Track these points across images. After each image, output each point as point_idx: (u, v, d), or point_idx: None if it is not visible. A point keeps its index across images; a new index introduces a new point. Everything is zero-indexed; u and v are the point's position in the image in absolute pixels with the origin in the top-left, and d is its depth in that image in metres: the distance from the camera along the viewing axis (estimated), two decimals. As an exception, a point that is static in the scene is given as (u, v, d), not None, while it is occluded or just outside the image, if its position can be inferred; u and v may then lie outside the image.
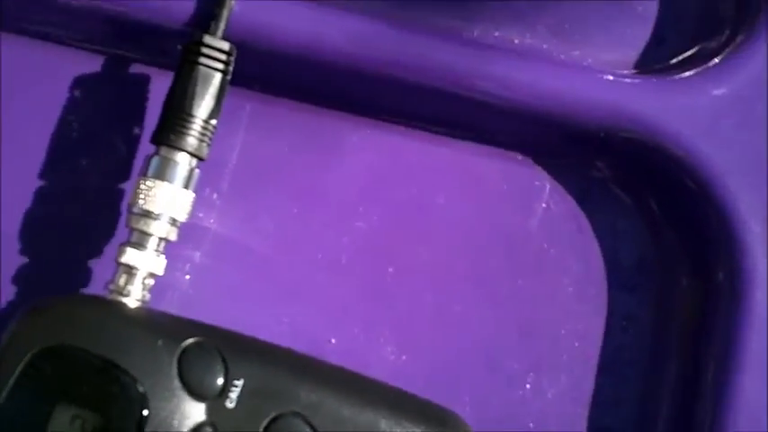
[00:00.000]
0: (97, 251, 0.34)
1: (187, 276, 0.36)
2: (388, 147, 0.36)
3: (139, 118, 0.36)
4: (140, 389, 0.27)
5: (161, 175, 0.31)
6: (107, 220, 0.35)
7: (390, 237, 0.36)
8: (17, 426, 0.27)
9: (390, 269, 0.35)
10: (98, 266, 0.34)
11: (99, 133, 0.36)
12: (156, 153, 0.32)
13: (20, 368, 0.27)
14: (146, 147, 0.34)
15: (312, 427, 0.28)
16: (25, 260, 0.34)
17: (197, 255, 0.36)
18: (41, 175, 0.35)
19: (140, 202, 0.31)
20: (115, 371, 0.28)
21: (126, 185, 0.35)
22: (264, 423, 0.28)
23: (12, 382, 0.27)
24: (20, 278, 0.34)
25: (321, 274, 0.35)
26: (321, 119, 0.36)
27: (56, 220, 0.35)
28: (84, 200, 0.35)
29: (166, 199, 0.31)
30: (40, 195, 0.35)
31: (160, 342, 0.28)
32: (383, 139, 0.36)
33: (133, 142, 0.36)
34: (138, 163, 0.35)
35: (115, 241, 0.34)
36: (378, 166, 0.36)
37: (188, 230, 0.34)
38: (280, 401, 0.28)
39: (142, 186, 0.31)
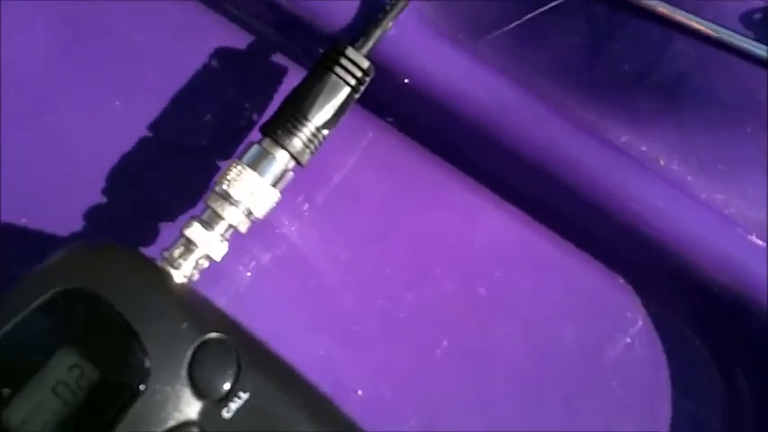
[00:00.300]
0: (173, 214, 0.34)
1: (248, 273, 0.35)
2: (488, 219, 0.34)
3: (262, 103, 0.35)
4: (146, 363, 0.26)
5: (254, 164, 0.30)
6: (196, 187, 0.34)
7: (457, 310, 0.33)
8: (16, 356, 0.26)
9: (445, 342, 0.33)
10: (167, 229, 0.34)
11: (223, 104, 0.35)
12: (259, 142, 0.31)
13: (40, 300, 0.27)
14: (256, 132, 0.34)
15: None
16: (106, 201, 0.34)
17: (266, 256, 0.35)
18: (159, 125, 0.35)
19: (224, 183, 0.30)
20: (130, 335, 0.27)
21: (224, 164, 0.34)
22: (252, 447, 0.26)
23: (27, 311, 0.26)
24: (91, 218, 0.34)
25: (374, 321, 0.34)
26: (433, 167, 0.35)
27: (154, 168, 0.35)
28: (185, 158, 0.35)
29: (250, 189, 0.30)
30: (148, 142, 0.35)
31: (185, 325, 0.27)
32: (486, 210, 0.34)
33: (247, 123, 0.35)
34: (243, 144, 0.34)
35: (192, 211, 0.33)
36: (470, 235, 0.34)
37: (266, 230, 0.34)
38: (276, 430, 0.27)
39: (232, 169, 0.30)
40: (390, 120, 0.35)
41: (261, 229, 0.31)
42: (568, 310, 0.33)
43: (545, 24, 0.34)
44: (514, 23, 0.34)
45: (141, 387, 0.26)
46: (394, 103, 0.34)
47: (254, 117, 0.35)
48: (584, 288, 0.33)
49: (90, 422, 0.26)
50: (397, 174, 0.35)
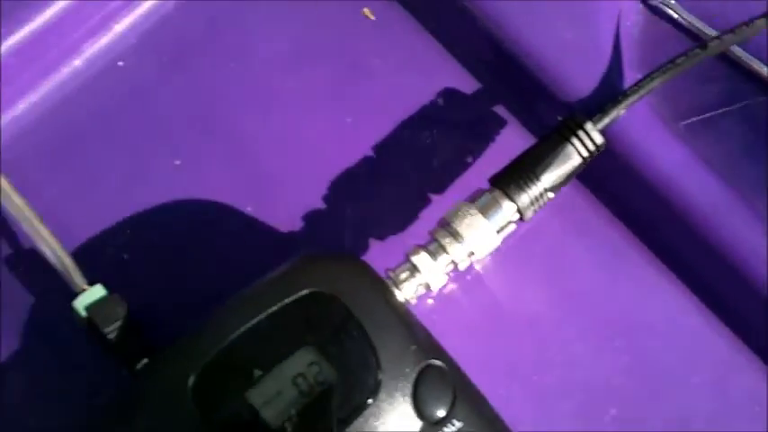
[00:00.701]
0: (382, 233, 0.37)
1: (429, 301, 0.37)
2: (665, 297, 0.36)
3: (478, 149, 0.38)
4: (379, 376, 0.29)
5: (484, 211, 0.33)
6: (406, 212, 0.37)
7: (628, 379, 0.36)
8: (259, 349, 0.29)
9: (613, 410, 0.35)
10: (375, 247, 0.36)
11: (442, 138, 0.38)
12: (490, 191, 0.33)
13: (287, 300, 0.30)
14: (471, 178, 0.36)
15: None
16: (323, 209, 0.37)
17: (454, 287, 0.37)
18: (382, 147, 0.38)
19: (455, 222, 0.33)
20: (366, 345, 0.29)
21: (437, 198, 0.37)
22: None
23: (274, 309, 0.29)
24: (309, 221, 0.37)
25: (551, 376, 0.36)
26: (627, 246, 0.37)
27: (370, 186, 0.38)
28: (400, 182, 0.37)
29: (478, 233, 0.33)
30: (369, 162, 0.38)
31: (413, 347, 0.30)
32: (665, 289, 0.36)
33: (462, 163, 0.38)
34: (457, 184, 0.37)
35: (401, 235, 0.36)
36: (646, 310, 0.36)
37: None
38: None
39: (464, 211, 0.33)
40: (599, 191, 0.37)
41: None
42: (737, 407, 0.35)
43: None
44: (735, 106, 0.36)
45: (369, 401, 0.29)
46: (609, 177, 0.36)
47: (469, 159, 0.38)
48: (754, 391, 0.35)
49: (319, 418, 0.29)
50: (586, 239, 0.37)
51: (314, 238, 0.36)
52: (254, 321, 0.29)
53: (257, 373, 0.29)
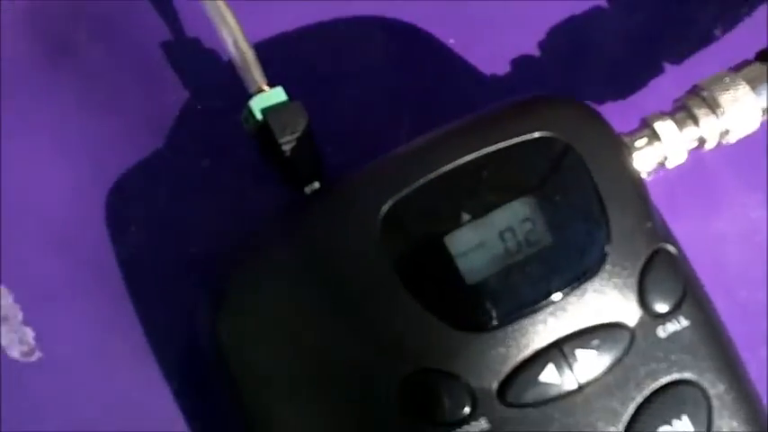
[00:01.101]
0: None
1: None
2: None
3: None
4: (605, 249, 0.24)
5: (753, 85, 0.27)
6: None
7: None
8: (469, 190, 0.24)
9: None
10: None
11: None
12: (761, 64, 0.27)
13: (511, 141, 0.25)
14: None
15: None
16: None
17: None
18: None
19: (716, 92, 0.27)
20: (597, 210, 0.24)
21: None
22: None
23: (493, 148, 0.25)
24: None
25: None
26: None
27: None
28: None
29: (742, 108, 0.27)
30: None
31: (649, 225, 0.25)
32: None
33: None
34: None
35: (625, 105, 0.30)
36: None
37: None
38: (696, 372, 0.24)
39: (729, 81, 0.27)
40: None
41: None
42: None
43: None
44: None
45: (587, 274, 0.24)
46: None
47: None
48: None
49: (522, 284, 0.24)
50: None
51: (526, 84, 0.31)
52: (469, 158, 0.24)
53: (462, 217, 0.24)
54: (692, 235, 0.27)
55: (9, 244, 0.29)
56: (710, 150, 0.28)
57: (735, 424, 0.24)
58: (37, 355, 0.29)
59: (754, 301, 0.30)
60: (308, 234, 0.25)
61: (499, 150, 0.24)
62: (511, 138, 0.25)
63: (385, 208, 0.24)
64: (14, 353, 0.29)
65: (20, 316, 0.29)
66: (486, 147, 0.24)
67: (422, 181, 0.24)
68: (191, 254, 0.29)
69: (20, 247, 0.29)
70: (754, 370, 0.27)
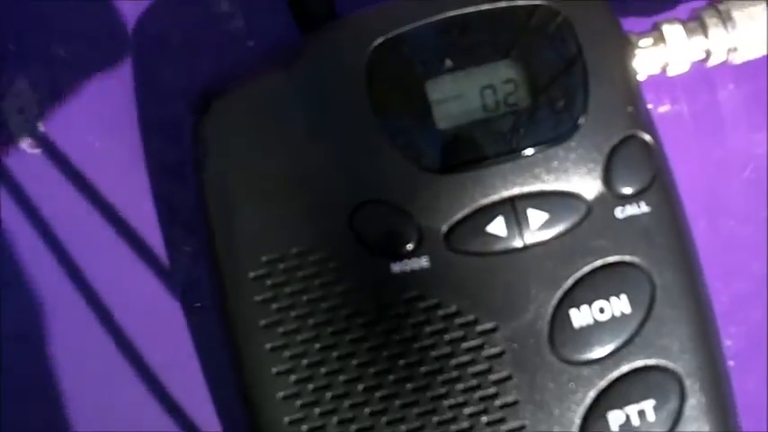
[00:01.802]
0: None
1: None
2: None
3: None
4: (579, 120, 0.25)
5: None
6: None
7: None
8: (457, 43, 0.25)
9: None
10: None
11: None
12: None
13: (507, 3, 0.25)
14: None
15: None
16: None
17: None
18: None
19: (733, 6, 0.27)
20: (580, 82, 0.25)
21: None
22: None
23: (489, 7, 0.25)
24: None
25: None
26: None
27: None
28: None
29: (755, 27, 0.27)
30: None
31: (630, 109, 0.25)
32: None
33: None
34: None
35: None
36: None
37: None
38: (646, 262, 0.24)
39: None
40: None
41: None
42: None
43: None
44: None
45: (557, 141, 0.24)
46: None
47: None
48: None
49: (491, 139, 0.24)
50: None
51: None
52: (464, 11, 0.25)
53: (446, 66, 0.25)
54: (691, 162, 0.27)
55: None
56: (714, 68, 0.28)
57: (675, 314, 0.24)
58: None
59: (739, 234, 0.30)
60: (300, 58, 0.26)
61: (495, 9, 0.25)
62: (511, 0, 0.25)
63: (375, 43, 0.25)
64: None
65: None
66: (484, 3, 0.25)
67: (414, 24, 0.25)
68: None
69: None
70: (724, 303, 0.27)
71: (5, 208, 0.30)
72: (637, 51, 0.27)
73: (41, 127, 0.31)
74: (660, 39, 0.27)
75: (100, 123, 0.31)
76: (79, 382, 0.30)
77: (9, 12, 0.31)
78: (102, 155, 0.31)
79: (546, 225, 0.24)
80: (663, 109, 0.30)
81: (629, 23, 0.27)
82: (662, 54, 0.27)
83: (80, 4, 0.31)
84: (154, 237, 0.30)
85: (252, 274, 0.24)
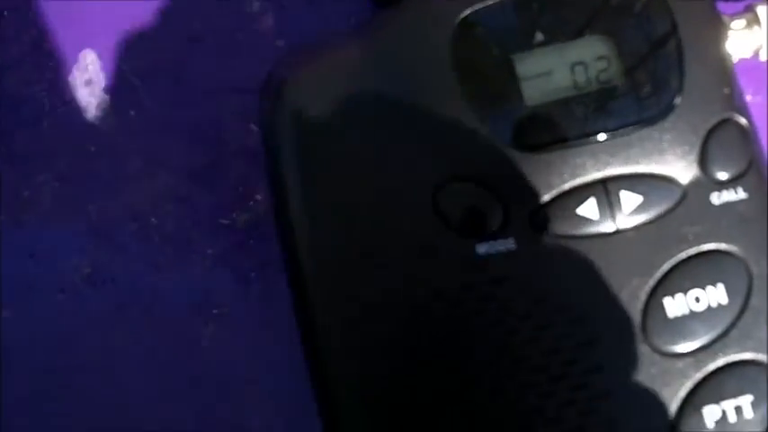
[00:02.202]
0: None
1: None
2: None
3: None
4: (675, 100, 0.23)
5: None
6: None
7: None
8: (549, 16, 0.24)
9: None
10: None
11: None
12: None
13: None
14: None
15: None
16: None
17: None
18: None
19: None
20: (675, 62, 0.24)
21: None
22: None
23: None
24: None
25: None
26: None
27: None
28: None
29: None
30: None
31: (726, 92, 0.24)
32: None
33: None
34: None
35: None
36: None
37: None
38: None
39: None
40: None
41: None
42: None
43: None
44: None
45: (651, 122, 0.23)
46: None
47: None
48: None
49: (581, 118, 0.23)
50: None
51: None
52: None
53: (535, 39, 0.24)
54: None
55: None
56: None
57: (773, 307, 0.23)
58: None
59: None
60: (380, 33, 0.25)
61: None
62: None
63: (460, 17, 0.24)
64: (89, 115, 0.30)
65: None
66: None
67: (502, -2, 0.24)
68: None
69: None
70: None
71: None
72: (729, 33, 0.26)
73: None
74: (754, 21, 0.26)
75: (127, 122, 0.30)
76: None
77: (42, 11, 0.30)
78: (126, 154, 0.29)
79: (639, 209, 0.23)
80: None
81: (721, 5, 0.26)
82: (755, 37, 0.26)
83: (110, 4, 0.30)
84: (175, 239, 0.29)
85: (333, 249, 0.23)
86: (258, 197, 0.29)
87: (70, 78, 0.29)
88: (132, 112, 0.29)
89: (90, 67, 0.30)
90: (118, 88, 0.29)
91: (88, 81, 0.30)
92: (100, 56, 0.30)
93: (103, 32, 0.30)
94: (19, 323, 0.28)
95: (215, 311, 0.28)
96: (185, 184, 0.29)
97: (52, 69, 0.29)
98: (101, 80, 0.29)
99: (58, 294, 0.28)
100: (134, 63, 0.29)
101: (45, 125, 0.29)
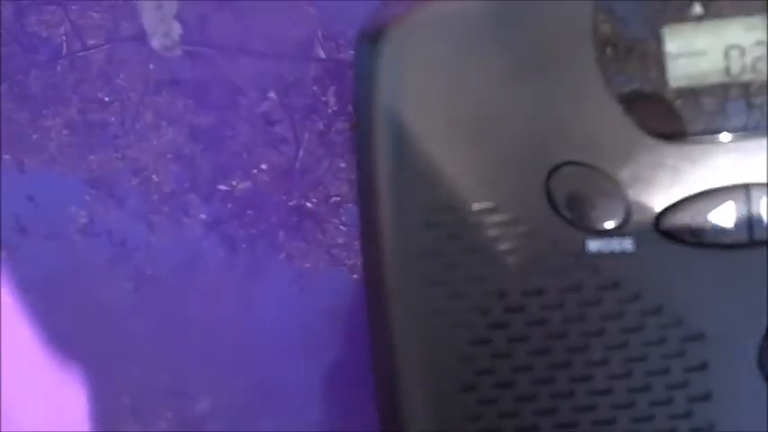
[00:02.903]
0: None
1: None
2: None
3: None
4: None
5: None
6: None
7: None
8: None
9: None
10: None
11: None
12: None
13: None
14: None
15: None
16: None
17: None
18: None
19: None
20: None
21: None
22: None
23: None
24: None
25: None
26: None
27: None
28: None
29: None
30: None
31: None
32: None
33: None
34: None
35: None
36: None
37: None
38: None
39: None
40: None
41: None
42: None
43: None
44: None
45: None
46: None
47: None
48: None
49: (733, 107, 0.20)
50: None
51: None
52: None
53: (692, 11, 0.20)
54: None
55: None
56: None
57: None
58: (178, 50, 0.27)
59: None
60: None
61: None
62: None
63: (604, -18, 0.20)
64: (156, 43, 0.27)
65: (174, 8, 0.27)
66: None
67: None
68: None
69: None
70: None
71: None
72: None
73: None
74: None
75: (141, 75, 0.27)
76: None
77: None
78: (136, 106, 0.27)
79: (781, 222, 0.20)
80: None
81: None
82: None
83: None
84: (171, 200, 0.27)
85: (419, 221, 0.20)
86: (263, 166, 0.27)
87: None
88: (150, 65, 0.27)
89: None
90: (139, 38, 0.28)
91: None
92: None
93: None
94: (13, 265, 0.27)
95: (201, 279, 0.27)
96: (189, 144, 0.27)
97: (75, 12, 0.27)
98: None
99: (50, 241, 0.27)
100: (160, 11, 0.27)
101: (59, 69, 0.28)
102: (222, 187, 0.27)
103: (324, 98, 0.27)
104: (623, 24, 0.20)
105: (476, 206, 0.20)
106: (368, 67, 0.22)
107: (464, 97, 0.21)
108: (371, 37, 0.22)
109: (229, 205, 0.27)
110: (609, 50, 0.20)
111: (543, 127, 0.20)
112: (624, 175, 0.20)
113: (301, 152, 0.27)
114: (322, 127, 0.27)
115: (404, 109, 0.21)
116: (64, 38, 0.28)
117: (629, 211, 0.20)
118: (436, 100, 0.21)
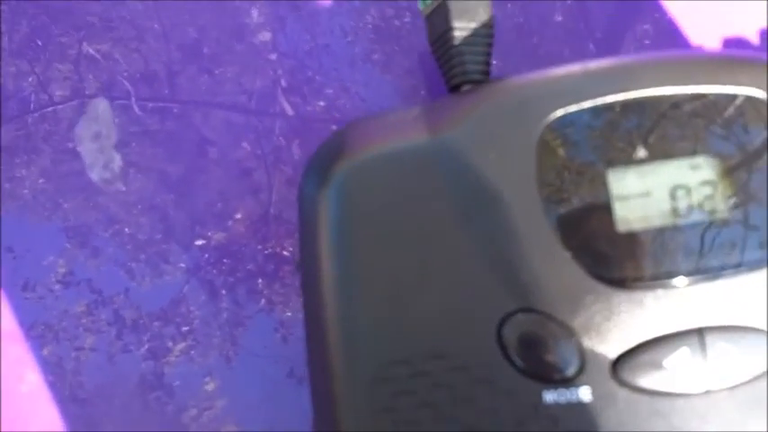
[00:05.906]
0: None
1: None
2: None
3: None
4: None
5: None
6: None
7: None
8: (646, 128, 0.21)
9: None
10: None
11: None
12: None
13: (711, 90, 0.21)
14: None
15: None
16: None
17: None
18: None
19: None
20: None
21: None
22: None
23: (689, 92, 0.21)
24: None
25: None
26: None
27: None
28: None
29: None
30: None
31: None
32: None
33: None
34: None
35: None
36: None
37: None
38: None
39: None
40: None
41: None
42: None
43: None
44: None
45: (762, 264, 0.20)
46: None
47: None
48: None
49: (681, 250, 0.20)
50: None
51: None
52: (663, 92, 0.21)
53: (635, 156, 0.20)
54: None
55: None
56: None
57: None
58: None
59: None
60: (449, 123, 0.21)
61: (699, 95, 0.21)
62: (718, 84, 0.21)
63: (551, 118, 0.20)
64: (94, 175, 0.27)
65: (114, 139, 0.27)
66: (686, 85, 0.21)
67: (602, 101, 0.20)
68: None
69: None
70: None
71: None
72: None
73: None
74: None
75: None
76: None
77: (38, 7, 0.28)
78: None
79: (737, 366, 0.20)
80: None
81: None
82: None
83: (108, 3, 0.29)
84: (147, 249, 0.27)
85: (371, 377, 0.20)
86: (238, 216, 0.27)
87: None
88: (119, 118, 0.28)
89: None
90: (108, 90, 0.28)
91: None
92: (93, 57, 0.28)
93: (99, 33, 0.28)
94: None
95: (184, 329, 0.26)
96: (162, 195, 0.27)
97: (43, 64, 0.28)
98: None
99: (29, 292, 0.27)
100: (127, 67, 0.28)
101: (30, 121, 0.28)
102: (198, 242, 0.27)
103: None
104: (568, 170, 0.20)
105: (427, 358, 0.20)
106: (313, 212, 0.21)
107: (410, 242, 0.20)
108: (318, 179, 0.21)
109: (207, 254, 0.27)
110: (554, 195, 0.20)
111: (493, 273, 0.20)
112: (577, 322, 0.20)
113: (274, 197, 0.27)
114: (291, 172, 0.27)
115: (350, 258, 0.21)
116: (32, 89, 0.28)
117: (584, 358, 0.20)
118: (382, 246, 0.21)
